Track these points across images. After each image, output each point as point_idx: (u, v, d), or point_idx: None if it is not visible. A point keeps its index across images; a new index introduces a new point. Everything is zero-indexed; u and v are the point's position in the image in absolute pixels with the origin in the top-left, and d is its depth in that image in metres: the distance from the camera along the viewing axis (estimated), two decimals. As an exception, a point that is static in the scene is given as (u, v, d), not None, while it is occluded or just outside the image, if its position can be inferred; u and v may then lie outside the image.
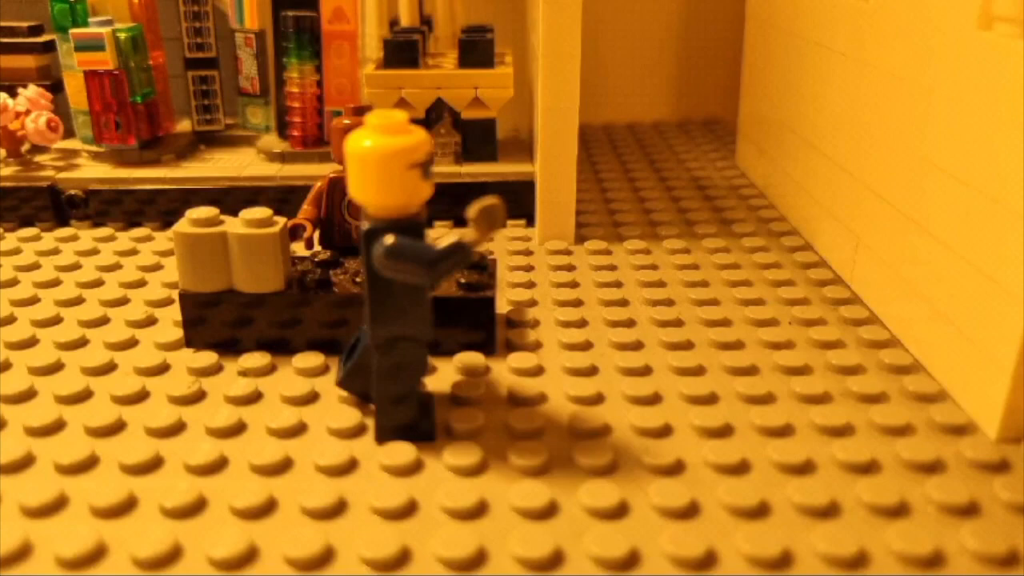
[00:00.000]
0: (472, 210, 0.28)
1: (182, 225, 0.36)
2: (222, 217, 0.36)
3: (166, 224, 0.52)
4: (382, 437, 0.31)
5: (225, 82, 0.58)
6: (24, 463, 0.30)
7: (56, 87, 0.57)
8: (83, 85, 0.52)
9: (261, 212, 0.36)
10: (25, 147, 0.55)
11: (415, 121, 0.52)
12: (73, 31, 0.51)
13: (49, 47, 0.58)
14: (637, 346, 0.38)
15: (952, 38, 0.34)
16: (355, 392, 0.33)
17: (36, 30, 0.59)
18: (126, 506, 0.28)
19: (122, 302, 0.42)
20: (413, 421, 0.31)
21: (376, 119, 0.28)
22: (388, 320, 0.30)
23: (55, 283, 0.44)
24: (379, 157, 0.27)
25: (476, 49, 0.52)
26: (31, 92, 0.54)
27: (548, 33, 0.45)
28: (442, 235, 0.29)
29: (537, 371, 0.35)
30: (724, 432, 0.31)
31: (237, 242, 0.35)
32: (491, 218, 0.28)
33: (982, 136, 0.32)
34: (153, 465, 0.30)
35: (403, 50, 0.52)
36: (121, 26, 0.52)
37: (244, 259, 0.36)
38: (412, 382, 0.31)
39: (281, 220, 0.36)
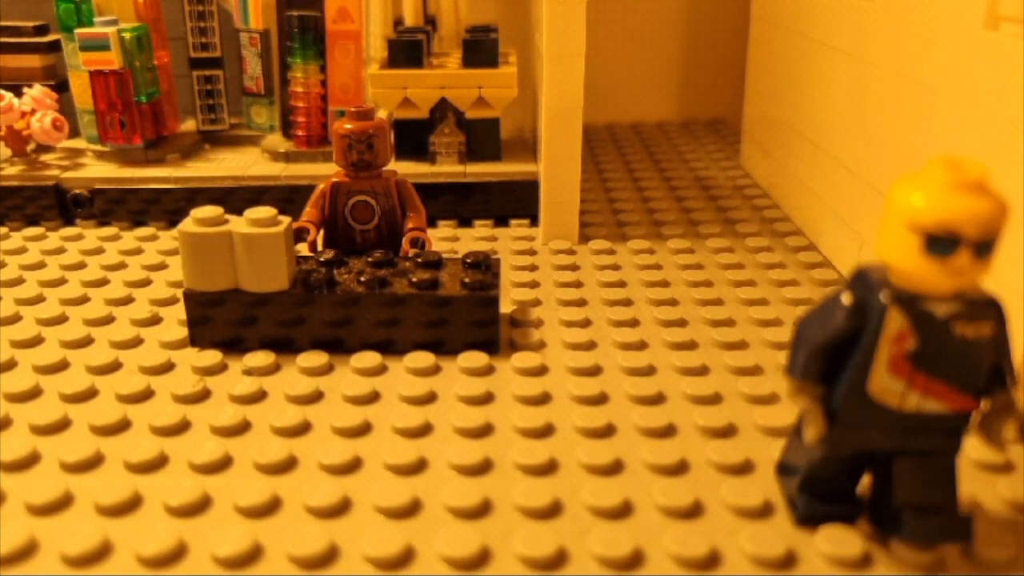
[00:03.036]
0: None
1: (187, 224, 0.36)
2: (227, 216, 0.36)
3: (171, 223, 0.52)
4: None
5: (230, 82, 0.58)
6: (29, 461, 0.30)
7: (61, 86, 0.57)
8: (88, 84, 0.52)
9: (266, 211, 0.36)
10: (30, 146, 0.55)
11: (419, 120, 0.53)
12: (78, 31, 0.51)
13: (54, 47, 0.58)
14: (641, 346, 0.38)
15: (958, 38, 0.34)
16: None
17: (41, 30, 0.59)
18: (131, 504, 0.28)
19: (127, 301, 0.42)
20: (789, 493, 0.27)
21: (942, 168, 0.22)
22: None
23: (60, 282, 0.44)
24: (888, 205, 0.23)
25: (480, 49, 0.52)
26: (36, 92, 0.54)
27: (552, 33, 0.45)
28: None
29: (541, 371, 0.36)
30: (728, 432, 0.31)
31: (242, 241, 0.35)
32: None
33: (987, 136, 0.32)
34: (158, 463, 0.30)
35: (407, 50, 0.52)
36: (126, 26, 0.52)
37: (249, 258, 0.36)
38: (808, 456, 0.26)
39: (286, 219, 0.36)
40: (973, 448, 0.30)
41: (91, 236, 0.50)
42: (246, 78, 0.57)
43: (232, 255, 0.36)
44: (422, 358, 0.36)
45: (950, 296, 0.23)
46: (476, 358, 0.36)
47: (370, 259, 0.38)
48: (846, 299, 0.24)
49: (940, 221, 0.21)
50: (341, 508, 0.28)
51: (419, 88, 0.52)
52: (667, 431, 0.31)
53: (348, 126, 0.39)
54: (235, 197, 0.51)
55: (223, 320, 0.37)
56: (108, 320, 0.40)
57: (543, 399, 0.33)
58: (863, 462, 0.26)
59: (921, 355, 0.23)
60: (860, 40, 0.43)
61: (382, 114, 0.52)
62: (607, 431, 0.31)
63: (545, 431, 0.31)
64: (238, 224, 0.36)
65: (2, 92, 0.53)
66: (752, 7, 0.62)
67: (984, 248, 0.22)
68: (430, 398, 0.34)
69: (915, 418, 0.24)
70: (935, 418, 0.24)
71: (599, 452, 0.30)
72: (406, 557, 0.26)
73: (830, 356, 0.24)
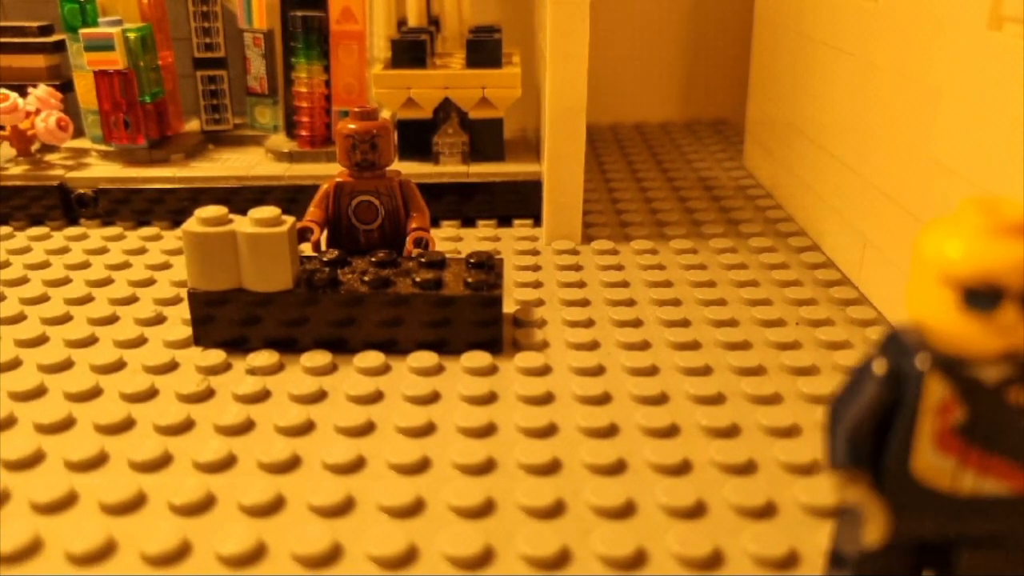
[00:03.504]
0: None
1: (191, 224, 0.36)
2: (231, 216, 0.36)
3: (175, 223, 0.52)
4: None
5: (234, 82, 0.58)
6: (34, 460, 0.30)
7: (66, 87, 0.58)
8: (93, 85, 0.53)
9: (270, 211, 0.36)
10: (35, 146, 0.55)
11: (422, 120, 0.53)
12: (83, 31, 0.51)
13: (59, 47, 0.58)
14: (644, 346, 0.38)
15: (961, 38, 0.34)
16: None
17: (46, 30, 0.59)
18: (135, 503, 0.28)
19: (131, 300, 0.42)
20: None
21: (975, 211, 0.19)
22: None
23: (65, 281, 0.44)
24: (918, 257, 0.20)
25: (484, 49, 0.52)
26: (41, 91, 0.54)
27: (556, 33, 0.45)
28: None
29: (544, 370, 0.36)
30: (731, 432, 0.31)
31: (246, 241, 0.35)
32: None
33: (991, 136, 0.32)
34: (162, 462, 0.30)
35: (411, 50, 0.52)
36: (131, 26, 0.53)
37: (253, 258, 0.36)
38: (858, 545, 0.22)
39: (290, 219, 0.36)
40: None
41: (95, 236, 0.50)
42: (250, 78, 0.57)
43: (236, 255, 0.36)
44: (425, 358, 0.36)
45: (998, 358, 0.20)
46: (479, 358, 0.36)
47: (373, 259, 0.38)
48: (878, 367, 0.21)
49: (979, 272, 0.18)
50: (345, 507, 0.28)
51: (423, 88, 0.52)
52: (670, 431, 0.31)
53: (352, 126, 0.39)
54: (239, 197, 0.52)
55: (227, 320, 0.37)
56: (112, 319, 0.40)
57: (546, 399, 0.33)
58: (922, 552, 0.22)
59: (973, 428, 0.20)
60: (863, 41, 0.43)
61: (386, 114, 0.53)
62: (610, 431, 0.31)
63: (548, 431, 0.31)
64: (242, 224, 0.36)
65: (7, 92, 0.53)
66: (755, 8, 0.62)
67: None
68: (433, 398, 0.34)
69: (973, 503, 0.21)
70: (997, 502, 0.21)
71: (602, 452, 0.30)
72: (409, 556, 0.26)
73: (873, 435, 0.21)
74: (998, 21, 0.32)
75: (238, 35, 0.57)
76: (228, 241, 0.36)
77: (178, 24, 0.57)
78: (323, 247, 0.40)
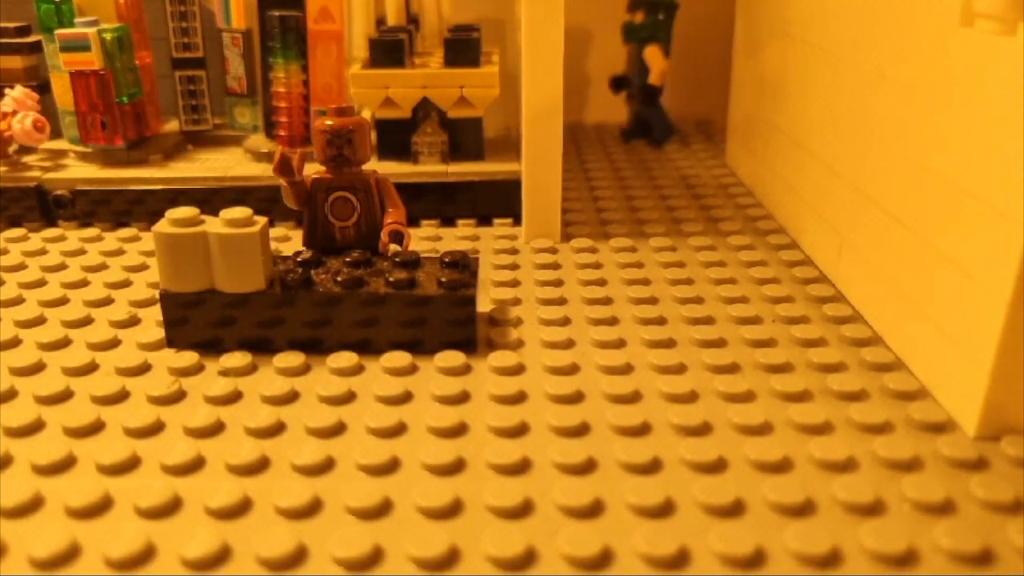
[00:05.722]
0: None
1: (162, 225, 0.36)
2: (203, 217, 0.36)
3: (153, 224, 0.52)
4: None
5: (213, 82, 0.58)
6: (1, 464, 0.30)
7: (43, 88, 0.57)
8: (70, 85, 0.52)
9: (241, 212, 0.36)
10: (12, 148, 0.55)
11: (401, 120, 0.53)
12: (59, 32, 0.51)
13: (36, 48, 0.58)
14: (619, 344, 0.37)
15: (934, 35, 0.34)
16: None
17: (23, 31, 0.59)
18: (101, 506, 0.27)
19: (106, 302, 0.42)
20: None
21: None
22: None
23: (40, 283, 0.44)
24: None
25: (462, 48, 0.52)
26: (18, 93, 0.54)
27: (531, 32, 0.45)
28: None
29: (518, 369, 0.35)
30: (702, 430, 0.31)
31: (217, 242, 0.35)
32: None
33: (963, 133, 0.32)
34: (130, 465, 0.30)
35: (388, 49, 0.52)
36: (107, 26, 0.52)
37: (225, 259, 0.36)
38: None
39: (262, 220, 0.36)
40: (948, 445, 0.30)
41: (73, 237, 0.50)
42: (229, 78, 0.57)
43: (207, 256, 0.36)
44: (399, 358, 0.36)
45: None
46: (453, 357, 0.36)
47: (347, 259, 0.38)
48: None
49: None
50: (311, 509, 0.27)
51: (401, 88, 0.52)
52: (641, 429, 0.31)
53: (328, 122, 0.39)
54: (218, 197, 0.51)
55: (201, 321, 0.37)
56: (86, 321, 0.40)
57: (518, 398, 0.33)
58: None
59: None
60: (840, 38, 0.43)
61: (366, 114, 0.52)
62: (581, 430, 0.31)
63: (519, 430, 0.31)
64: (214, 225, 0.36)
65: (-17, 94, 0.53)
66: (737, 8, 0.62)
67: None
68: (406, 398, 0.33)
69: None
70: None
71: (572, 451, 0.30)
72: (375, 557, 0.25)
73: None
74: (970, 17, 0.32)
75: (217, 35, 0.56)
76: (200, 242, 0.35)
77: (156, 24, 0.57)
78: (302, 175, 0.39)
